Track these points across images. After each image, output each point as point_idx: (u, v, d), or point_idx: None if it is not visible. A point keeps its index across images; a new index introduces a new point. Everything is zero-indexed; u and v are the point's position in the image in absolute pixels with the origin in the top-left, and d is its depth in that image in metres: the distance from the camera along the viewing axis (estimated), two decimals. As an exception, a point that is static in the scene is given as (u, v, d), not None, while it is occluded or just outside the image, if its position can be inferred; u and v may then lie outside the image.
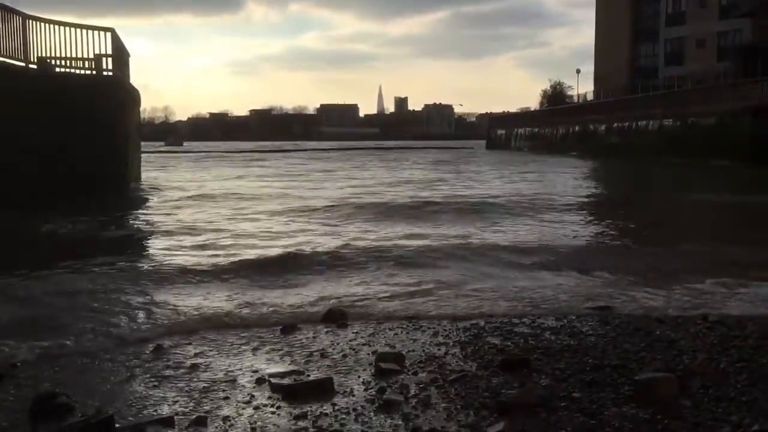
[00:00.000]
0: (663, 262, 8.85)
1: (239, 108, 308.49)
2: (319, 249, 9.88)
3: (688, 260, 8.97)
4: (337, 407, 4.04)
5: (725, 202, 17.69)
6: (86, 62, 17.88)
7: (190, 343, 5.52)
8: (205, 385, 4.50)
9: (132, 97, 21.39)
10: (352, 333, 5.78)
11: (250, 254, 9.53)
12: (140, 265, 9.00)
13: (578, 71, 73.00)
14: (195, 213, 15.10)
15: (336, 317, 6.26)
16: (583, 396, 4.04)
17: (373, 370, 4.70)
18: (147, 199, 18.81)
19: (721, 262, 8.68)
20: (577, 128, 54.23)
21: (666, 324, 5.83)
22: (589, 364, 4.68)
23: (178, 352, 5.30)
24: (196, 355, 5.21)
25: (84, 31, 17.59)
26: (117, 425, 3.71)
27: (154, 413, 3.98)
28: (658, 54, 57.91)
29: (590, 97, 63.57)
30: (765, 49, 41.17)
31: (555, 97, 72.07)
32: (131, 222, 14.43)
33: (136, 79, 26.40)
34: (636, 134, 43.67)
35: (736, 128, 32.85)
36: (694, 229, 12.90)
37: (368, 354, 5.11)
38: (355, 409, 3.99)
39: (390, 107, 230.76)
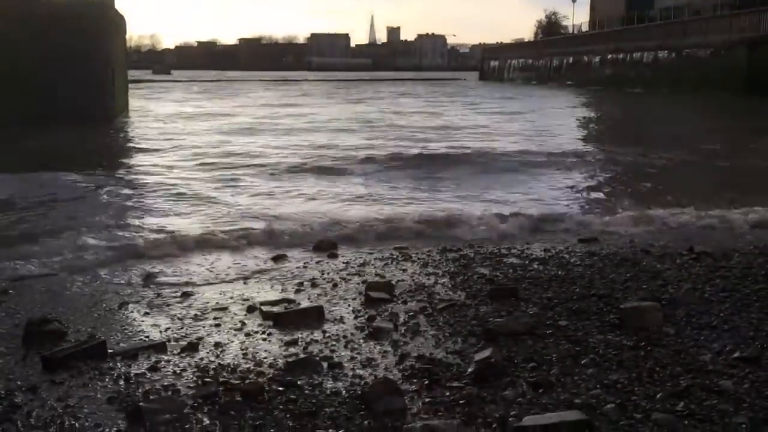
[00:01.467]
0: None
1: (228, 36, 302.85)
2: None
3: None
4: (327, 334, 4.10)
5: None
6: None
7: (180, 271, 5.56)
8: (197, 312, 4.55)
9: (117, 23, 20.88)
10: (343, 262, 5.82)
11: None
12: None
13: (574, 1, 71.52)
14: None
15: (326, 247, 6.30)
16: (569, 324, 4.11)
17: (363, 299, 4.76)
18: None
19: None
20: (570, 60, 53.56)
21: (652, 255, 5.89)
22: (576, 293, 4.74)
23: (169, 279, 5.34)
24: (187, 283, 5.25)
25: (66, -47, 17.02)
26: (109, 350, 3.75)
27: (146, 339, 4.03)
28: (655, -17, 56.64)
29: (585, 27, 62.53)
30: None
31: (550, 27, 70.96)
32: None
33: (121, 4, 25.75)
34: (630, 66, 43.19)
35: (732, 60, 32.52)
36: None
37: (358, 284, 5.16)
38: (345, 336, 4.05)
39: (382, 37, 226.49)
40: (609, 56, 46.42)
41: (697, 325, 4.05)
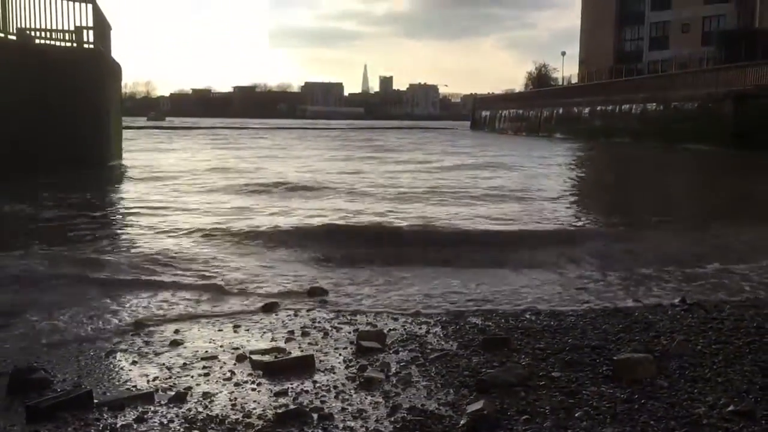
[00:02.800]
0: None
1: (222, 84, 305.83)
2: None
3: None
4: (318, 384, 4.05)
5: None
6: (67, 34, 17.58)
7: (170, 320, 5.50)
8: (185, 361, 4.49)
9: (113, 71, 21.11)
10: (335, 311, 5.78)
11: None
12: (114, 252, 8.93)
13: (563, 54, 73.23)
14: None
15: (318, 293, 6.27)
16: (562, 375, 4.08)
17: (354, 349, 4.72)
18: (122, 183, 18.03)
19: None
20: (561, 111, 54.35)
21: (643, 306, 5.89)
22: (569, 344, 4.72)
23: (157, 327, 5.28)
24: (176, 331, 5.20)
25: (65, 2, 17.27)
26: (95, 400, 3.69)
27: (134, 389, 3.97)
28: (643, 38, 58.13)
29: (575, 79, 63.72)
30: (748, 34, 41.40)
31: (540, 79, 72.19)
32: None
33: (117, 52, 26.10)
34: (619, 118, 43.84)
35: (719, 113, 33.08)
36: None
37: (349, 332, 5.12)
38: (335, 387, 4.00)
39: (375, 86, 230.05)
40: (598, 108, 47.14)
41: (691, 378, 4.03)
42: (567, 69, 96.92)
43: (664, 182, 19.18)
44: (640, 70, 53.22)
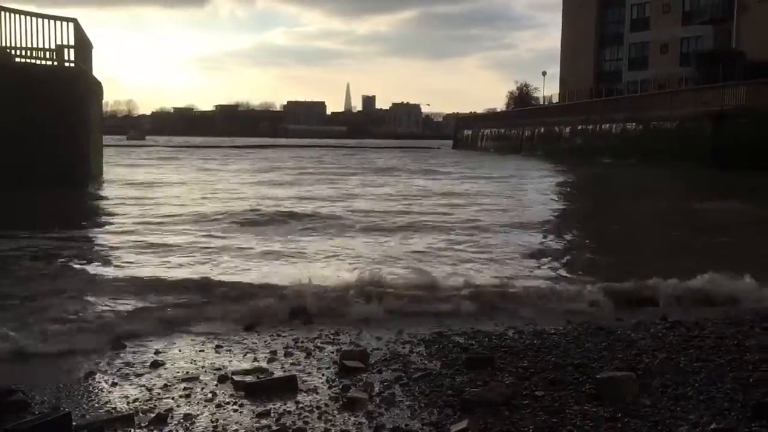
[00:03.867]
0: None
1: (204, 103, 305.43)
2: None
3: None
4: (300, 405, 4.01)
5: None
6: (48, 53, 17.50)
7: (151, 340, 5.44)
8: (166, 382, 4.43)
9: (94, 89, 21.02)
10: (317, 330, 5.75)
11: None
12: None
13: (544, 73, 74.10)
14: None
15: (301, 313, 6.23)
16: (545, 394, 4.08)
17: (337, 368, 4.69)
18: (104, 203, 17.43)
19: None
20: (542, 130, 54.79)
21: (625, 323, 5.91)
22: (552, 362, 4.72)
23: (138, 348, 5.22)
24: (157, 351, 5.13)
25: (46, 20, 17.21)
26: (74, 423, 3.63)
27: (113, 411, 3.91)
28: (622, 58, 58.87)
29: (556, 99, 64.30)
30: (725, 55, 42.09)
31: (521, 98, 72.77)
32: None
33: (98, 71, 26.01)
34: (600, 137, 44.28)
35: (697, 133, 33.51)
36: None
37: (332, 352, 5.09)
38: (318, 407, 3.97)
39: (357, 105, 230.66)
40: (579, 127, 47.60)
41: (673, 396, 4.04)
42: (548, 88, 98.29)
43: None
44: (619, 90, 53.87)
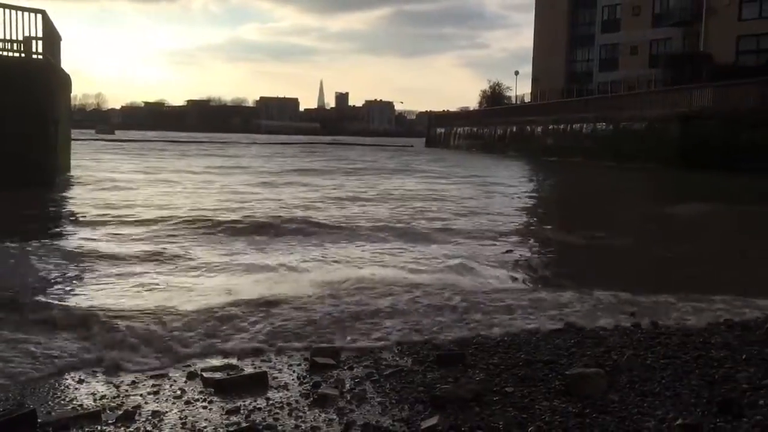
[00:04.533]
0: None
1: (176, 98, 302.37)
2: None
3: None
4: (271, 402, 3.99)
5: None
6: (15, 44, 17.15)
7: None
8: (134, 379, 4.38)
9: (63, 82, 20.67)
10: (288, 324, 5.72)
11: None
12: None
13: (517, 73, 74.76)
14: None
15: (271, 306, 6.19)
16: (515, 390, 4.11)
17: (308, 365, 4.67)
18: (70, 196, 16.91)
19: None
20: (514, 129, 55.14)
21: (595, 321, 5.98)
22: (522, 359, 4.76)
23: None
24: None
25: (13, 11, 16.86)
26: (39, 420, 3.56)
27: (80, 408, 3.85)
28: (593, 59, 59.44)
29: (528, 98, 64.72)
30: (693, 57, 42.74)
31: (494, 97, 73.06)
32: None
33: (67, 64, 25.59)
34: (571, 136, 44.71)
35: (665, 134, 34.00)
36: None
37: (304, 348, 5.07)
38: (289, 404, 3.95)
39: (331, 102, 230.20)
40: (551, 126, 48.01)
41: (641, 392, 4.09)
42: (520, 88, 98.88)
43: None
44: (590, 91, 54.43)
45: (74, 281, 7.16)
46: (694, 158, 30.89)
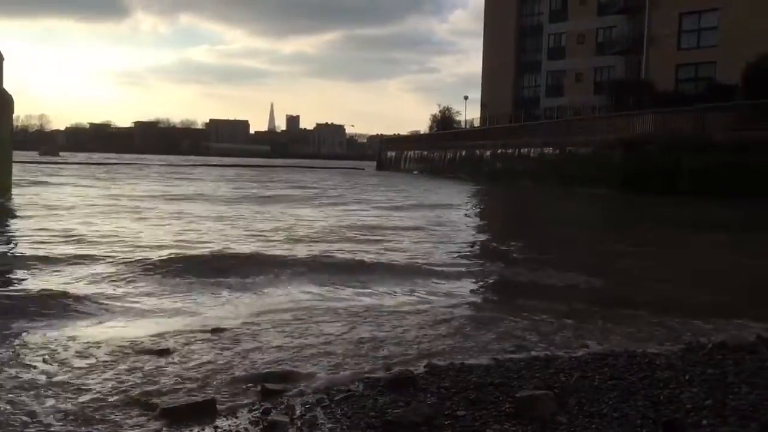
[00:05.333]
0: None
1: (123, 120, 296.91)
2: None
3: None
4: (219, 429, 3.91)
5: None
6: (-46, 63, 16.67)
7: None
8: (75, 407, 4.23)
9: (4, 103, 20.14)
10: (239, 350, 5.63)
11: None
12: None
13: (466, 98, 75.68)
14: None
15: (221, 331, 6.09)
16: (467, 414, 4.11)
17: (258, 391, 4.60)
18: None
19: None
20: (464, 153, 55.86)
21: (544, 343, 6.05)
22: (473, 382, 4.77)
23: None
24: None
25: (-48, 29, 16.42)
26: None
27: (18, 440, 3.70)
28: (540, 85, 60.87)
29: (477, 123, 65.71)
30: (633, 85, 44.12)
31: (444, 121, 73.91)
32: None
33: (9, 84, 24.94)
34: (519, 160, 45.50)
35: (609, 158, 34.89)
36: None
37: (253, 374, 4.99)
38: (238, 431, 3.88)
39: (282, 125, 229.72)
40: (499, 150, 48.81)
41: (589, 414, 4.14)
42: (470, 112, 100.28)
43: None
44: (537, 116, 55.69)
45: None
46: (636, 182, 31.77)
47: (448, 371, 5.08)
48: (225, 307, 7.37)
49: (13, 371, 4.91)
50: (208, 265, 9.65)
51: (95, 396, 4.45)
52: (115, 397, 4.43)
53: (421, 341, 6.09)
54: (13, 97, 22.31)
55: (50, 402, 4.32)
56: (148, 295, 7.90)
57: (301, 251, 11.29)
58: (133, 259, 9.96)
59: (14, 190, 22.71)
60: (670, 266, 11.53)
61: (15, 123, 25.21)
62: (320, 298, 7.94)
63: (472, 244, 14.25)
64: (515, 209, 28.22)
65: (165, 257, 10.12)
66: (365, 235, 14.49)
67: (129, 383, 4.71)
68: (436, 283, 9.19)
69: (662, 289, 9.09)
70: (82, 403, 4.31)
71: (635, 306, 7.83)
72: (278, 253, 11.14)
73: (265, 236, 13.70)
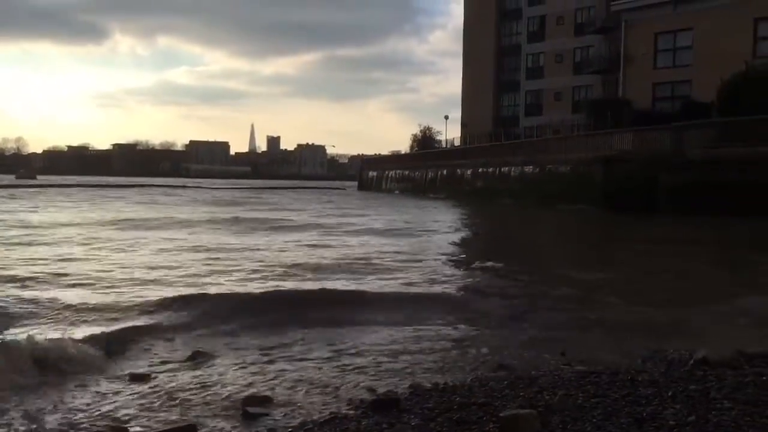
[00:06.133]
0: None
1: (101, 142, 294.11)
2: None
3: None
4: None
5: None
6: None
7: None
8: (54, 436, 4.15)
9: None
10: (218, 373, 5.56)
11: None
12: None
13: (446, 117, 76.35)
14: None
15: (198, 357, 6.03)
16: (450, 434, 4.08)
17: (240, 414, 4.54)
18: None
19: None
20: (445, 172, 56.12)
21: (526, 360, 6.05)
22: (457, 402, 4.74)
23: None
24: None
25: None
26: None
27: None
28: (519, 104, 61.49)
29: (458, 142, 66.10)
30: (612, 103, 44.68)
31: (424, 141, 74.28)
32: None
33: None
34: (500, 179, 45.78)
35: (589, 176, 35.21)
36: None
37: (235, 397, 4.93)
38: (219, 457, 3.82)
39: (262, 146, 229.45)
40: (480, 170, 49.08)
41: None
42: (450, 132, 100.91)
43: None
44: (517, 135, 56.18)
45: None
46: (616, 200, 32.05)
47: (431, 392, 5.05)
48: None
49: None
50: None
51: (73, 423, 4.34)
52: (94, 424, 4.33)
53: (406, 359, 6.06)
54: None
55: None
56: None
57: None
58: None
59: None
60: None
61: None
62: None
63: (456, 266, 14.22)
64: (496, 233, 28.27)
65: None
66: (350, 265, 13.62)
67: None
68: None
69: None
70: None
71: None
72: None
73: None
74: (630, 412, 4.48)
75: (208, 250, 14.62)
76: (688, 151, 30.89)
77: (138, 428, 4.27)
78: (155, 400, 4.86)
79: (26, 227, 19.49)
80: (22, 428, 4.28)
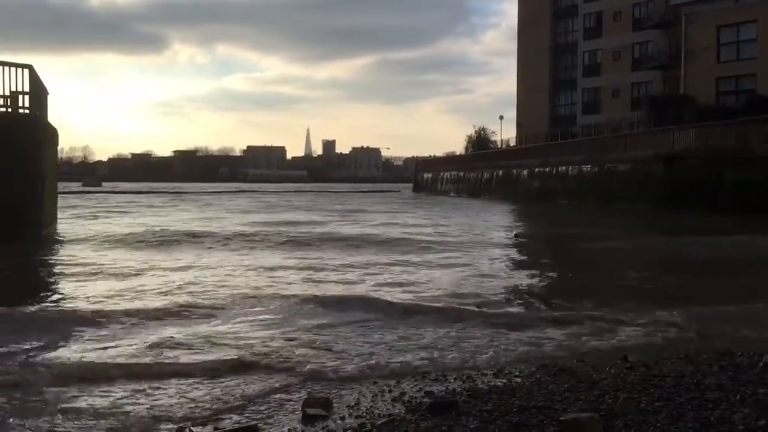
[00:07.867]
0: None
1: (163, 149, 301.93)
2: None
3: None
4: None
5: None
6: (2, 99, 17.22)
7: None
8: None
9: (49, 136, 20.72)
10: (279, 378, 5.64)
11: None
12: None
13: (501, 118, 76.05)
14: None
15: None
16: (510, 438, 4.04)
17: (300, 416, 4.59)
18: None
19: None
20: (500, 173, 55.60)
21: (586, 364, 5.94)
22: (516, 405, 4.70)
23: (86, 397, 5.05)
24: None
25: (0, 67, 16.99)
26: None
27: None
28: (576, 102, 60.42)
29: (513, 142, 65.48)
30: (673, 99, 43.52)
31: (479, 142, 73.79)
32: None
33: (54, 117, 25.66)
34: (557, 179, 45.10)
35: (650, 175, 34.39)
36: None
37: (296, 399, 4.99)
38: (280, 458, 3.87)
39: (318, 150, 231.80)
40: (536, 170, 48.46)
41: (636, 436, 4.04)
42: (505, 132, 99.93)
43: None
44: (574, 134, 55.21)
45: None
46: (679, 198, 31.20)
47: (490, 394, 5.01)
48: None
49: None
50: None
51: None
52: (159, 424, 4.43)
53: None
54: (58, 129, 22.95)
55: None
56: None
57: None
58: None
59: (64, 221, 23.22)
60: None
61: (60, 155, 25.87)
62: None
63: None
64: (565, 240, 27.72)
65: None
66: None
67: (172, 410, 4.72)
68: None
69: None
70: None
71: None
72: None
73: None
74: (696, 416, 4.36)
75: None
76: (754, 146, 29.86)
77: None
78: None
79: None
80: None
